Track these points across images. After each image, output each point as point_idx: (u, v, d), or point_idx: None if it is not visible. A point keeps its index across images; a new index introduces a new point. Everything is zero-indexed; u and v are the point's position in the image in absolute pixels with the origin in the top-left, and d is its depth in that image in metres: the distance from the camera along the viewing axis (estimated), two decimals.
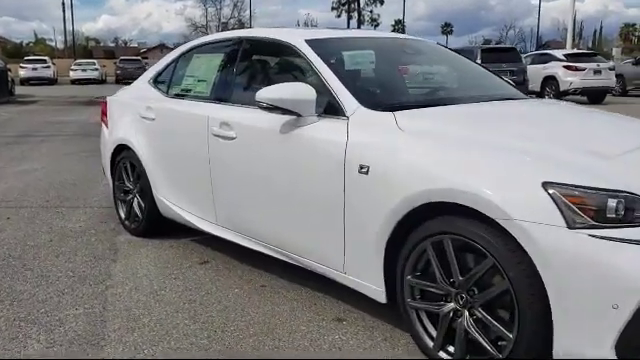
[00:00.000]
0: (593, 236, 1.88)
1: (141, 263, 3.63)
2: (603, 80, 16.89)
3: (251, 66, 3.54)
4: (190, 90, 3.77)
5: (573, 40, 26.71)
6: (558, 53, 18.46)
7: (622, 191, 1.93)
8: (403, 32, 42.13)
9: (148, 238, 4.10)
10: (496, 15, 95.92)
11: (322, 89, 2.80)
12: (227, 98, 3.39)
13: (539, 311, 1.98)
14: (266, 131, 2.98)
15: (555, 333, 1.95)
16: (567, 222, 1.91)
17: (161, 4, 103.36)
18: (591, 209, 1.91)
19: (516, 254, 2.00)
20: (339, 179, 2.56)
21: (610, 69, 17.36)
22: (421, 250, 2.31)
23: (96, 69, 34.01)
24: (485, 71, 3.62)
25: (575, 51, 20.09)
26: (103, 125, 4.61)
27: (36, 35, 70.76)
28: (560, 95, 16.15)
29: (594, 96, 16.83)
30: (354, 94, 2.72)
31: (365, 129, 2.57)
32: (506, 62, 15.72)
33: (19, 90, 22.47)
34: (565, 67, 16.95)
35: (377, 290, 2.50)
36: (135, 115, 4.09)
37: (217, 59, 3.65)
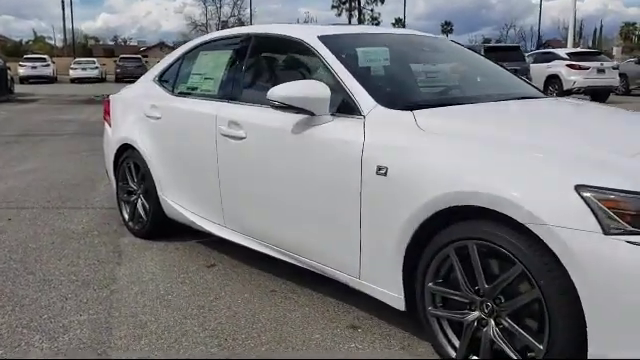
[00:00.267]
0: (631, 242, 1.77)
1: (146, 266, 3.53)
2: (607, 79, 16.78)
3: (261, 63, 3.43)
4: (197, 88, 3.65)
5: (574, 39, 26.60)
6: (561, 52, 18.35)
7: None
8: None
9: (152, 240, 3.99)
10: (496, 14, 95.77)
11: (336, 87, 2.70)
12: (236, 96, 3.28)
13: (572, 320, 1.88)
14: (277, 130, 2.87)
15: (590, 344, 1.85)
16: (603, 228, 1.80)
17: (160, 2, 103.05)
18: (629, 214, 1.80)
19: (547, 261, 1.90)
20: (355, 180, 2.46)
21: (614, 68, 17.26)
22: (444, 256, 2.21)
23: (96, 67, 33.86)
24: (501, 69, 3.51)
25: (579, 50, 19.98)
26: (106, 124, 4.50)
27: (35, 33, 70.60)
28: (563, 94, 16.04)
29: (597, 95, 16.71)
30: (370, 92, 2.61)
31: (383, 129, 2.46)
32: (509, 61, 15.55)
33: (18, 88, 22.34)
34: (569, 66, 16.83)
35: (395, 297, 2.40)
36: (139, 114, 3.98)
37: (225, 56, 3.54)
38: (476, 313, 2.15)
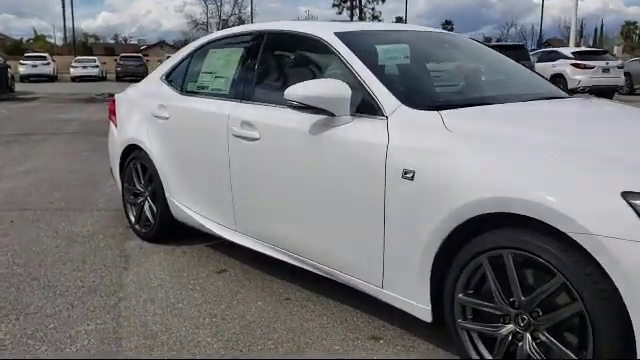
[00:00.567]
0: None
1: (154, 272, 3.40)
2: (612, 78, 16.66)
3: (274, 62, 3.30)
4: (207, 87, 3.52)
5: (576, 38, 26.44)
6: (566, 51, 18.21)
7: None
8: None
9: (159, 243, 3.87)
10: (497, 13, 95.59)
11: (355, 86, 2.57)
12: (248, 96, 3.15)
13: (618, 335, 1.75)
14: (293, 131, 2.75)
15: None
16: None
17: (160, 1, 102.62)
18: None
19: (591, 272, 1.77)
20: (379, 184, 2.33)
21: (619, 67, 17.13)
22: (475, 265, 2.08)
23: (96, 66, 33.72)
24: (523, 68, 3.38)
25: (583, 49, 19.84)
26: (111, 124, 4.37)
27: (35, 32, 70.32)
28: (568, 94, 15.88)
29: (602, 95, 16.52)
30: (393, 91, 2.48)
31: (408, 130, 2.33)
32: (514, 60, 15.46)
33: (19, 87, 22.18)
34: (573, 65, 16.71)
35: (422, 308, 2.27)
36: (147, 114, 3.86)
37: (236, 54, 3.41)
38: (510, 326, 2.02)
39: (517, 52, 16.48)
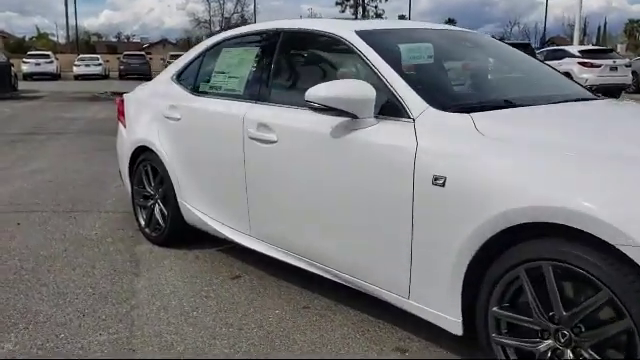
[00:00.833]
0: None
1: (166, 278, 3.30)
2: (619, 77, 16.51)
3: (292, 61, 3.19)
4: (220, 87, 3.41)
5: (580, 36, 26.25)
6: (573, 49, 18.06)
7: None
8: None
9: (170, 247, 3.77)
10: (499, 11, 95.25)
11: (379, 87, 2.46)
12: (264, 97, 3.04)
13: None
14: (313, 134, 2.64)
15: None
16: None
17: None
18: None
19: None
20: (406, 190, 2.22)
21: (627, 66, 16.98)
22: (512, 277, 1.97)
23: (99, 64, 33.64)
24: (548, 67, 3.27)
25: (590, 47, 19.69)
26: (120, 125, 4.26)
27: (38, 30, 70.38)
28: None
29: (609, 93, 16.41)
30: (419, 92, 2.37)
31: (437, 133, 2.22)
32: None
33: (22, 85, 22.07)
34: (580, 63, 16.57)
35: (452, 321, 2.16)
36: (157, 114, 3.75)
37: (251, 54, 3.31)
38: (550, 342, 1.92)
39: (523, 51, 16.35)
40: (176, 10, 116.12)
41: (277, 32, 3.18)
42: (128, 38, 76.94)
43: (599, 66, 16.33)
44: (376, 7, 59.06)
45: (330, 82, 2.47)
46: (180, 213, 3.64)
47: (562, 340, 1.88)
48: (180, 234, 3.77)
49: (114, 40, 74.03)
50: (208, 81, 3.55)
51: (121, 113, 4.23)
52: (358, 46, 2.66)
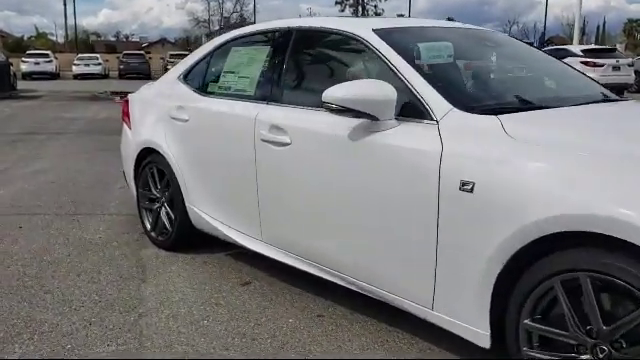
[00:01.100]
0: None
1: (174, 284, 3.19)
2: (622, 76, 16.44)
3: (305, 61, 3.09)
4: (230, 88, 3.30)
5: (579, 36, 26.14)
6: (575, 49, 17.96)
7: None
8: None
9: (177, 252, 3.66)
10: (498, 10, 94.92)
11: (400, 87, 2.35)
12: (277, 98, 2.93)
13: None
14: (329, 136, 2.54)
15: None
16: None
17: None
18: None
19: None
20: (431, 196, 2.12)
21: (629, 65, 16.90)
22: (545, 289, 1.87)
23: (99, 64, 33.47)
24: (569, 67, 3.17)
25: (593, 47, 19.61)
26: (125, 126, 4.16)
27: (37, 29, 70.15)
28: None
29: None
30: (442, 93, 2.27)
31: (463, 136, 2.12)
32: None
33: (21, 85, 21.93)
34: (583, 63, 16.44)
35: (479, 333, 2.06)
36: (163, 115, 3.65)
37: (261, 53, 3.20)
38: (587, 357, 1.82)
39: None
40: (175, 9, 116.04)
41: (289, 31, 3.08)
42: (127, 37, 76.80)
43: (602, 65, 16.24)
44: (375, 6, 58.92)
45: (349, 82, 2.37)
46: (188, 217, 3.53)
47: (601, 356, 1.78)
48: (187, 238, 3.67)
49: (113, 39, 73.84)
50: (217, 81, 3.44)
51: (126, 114, 4.12)
52: (376, 45, 2.56)
